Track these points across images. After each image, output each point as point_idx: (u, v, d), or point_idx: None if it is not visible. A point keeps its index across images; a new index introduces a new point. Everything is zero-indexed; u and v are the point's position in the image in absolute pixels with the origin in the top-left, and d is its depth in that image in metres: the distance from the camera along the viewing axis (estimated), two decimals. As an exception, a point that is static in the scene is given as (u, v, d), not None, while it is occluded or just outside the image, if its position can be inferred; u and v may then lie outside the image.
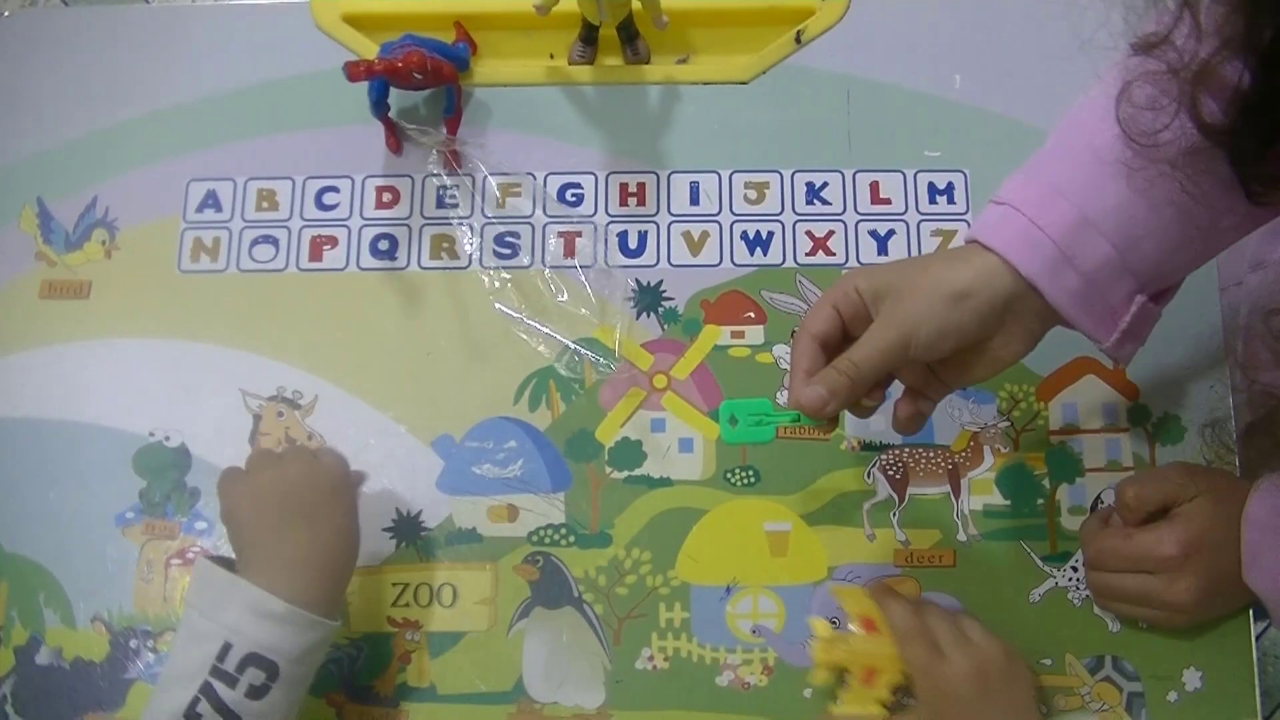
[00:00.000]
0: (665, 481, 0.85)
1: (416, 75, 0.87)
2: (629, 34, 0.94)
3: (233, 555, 0.76)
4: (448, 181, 0.92)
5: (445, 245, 0.91)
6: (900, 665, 0.76)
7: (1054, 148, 0.69)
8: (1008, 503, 0.84)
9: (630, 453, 0.85)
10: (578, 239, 0.90)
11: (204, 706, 0.68)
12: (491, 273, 0.89)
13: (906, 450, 0.85)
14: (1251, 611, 0.80)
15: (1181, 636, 0.80)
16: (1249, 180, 0.61)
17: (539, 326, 0.88)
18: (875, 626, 0.78)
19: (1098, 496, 0.84)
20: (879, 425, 0.85)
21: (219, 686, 0.69)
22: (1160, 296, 0.70)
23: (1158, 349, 0.86)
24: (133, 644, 0.84)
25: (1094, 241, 0.65)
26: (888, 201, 0.90)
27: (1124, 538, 0.78)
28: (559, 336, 0.87)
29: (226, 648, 0.69)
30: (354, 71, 0.84)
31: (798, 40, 0.95)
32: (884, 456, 0.85)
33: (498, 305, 0.88)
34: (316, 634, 0.72)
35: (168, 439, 0.88)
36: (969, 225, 0.88)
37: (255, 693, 0.69)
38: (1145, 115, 0.63)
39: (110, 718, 0.82)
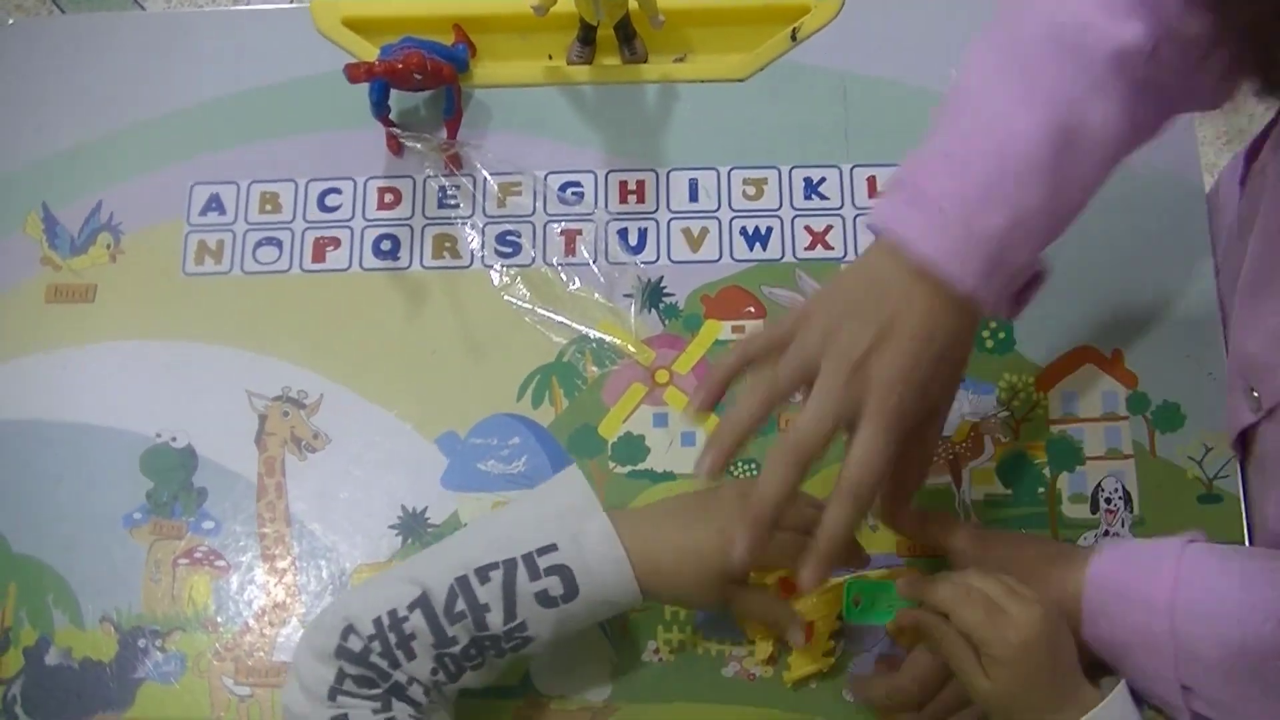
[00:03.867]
0: (668, 476, 0.85)
1: (416, 76, 0.87)
2: (626, 34, 0.95)
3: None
4: (447, 183, 0.93)
5: (447, 245, 0.92)
6: (833, 611, 0.77)
7: (973, 135, 0.67)
8: (1009, 492, 0.84)
9: (633, 448, 0.86)
10: (578, 237, 0.91)
11: (496, 575, 0.69)
12: (499, 267, 0.90)
13: (908, 441, 0.85)
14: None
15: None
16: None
17: (552, 315, 0.88)
18: (793, 586, 0.77)
19: (1098, 484, 0.84)
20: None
21: (522, 570, 0.69)
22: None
23: (1156, 337, 0.87)
24: (141, 643, 0.84)
25: (1020, 241, 0.65)
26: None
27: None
28: (572, 324, 0.89)
29: (552, 547, 0.70)
30: (354, 73, 0.85)
31: (793, 38, 0.96)
32: (885, 448, 0.85)
33: (507, 297, 0.89)
34: (624, 598, 0.71)
35: (174, 440, 0.88)
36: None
37: (545, 600, 0.69)
38: None
39: (119, 717, 0.82)
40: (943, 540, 0.78)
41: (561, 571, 0.69)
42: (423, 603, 0.68)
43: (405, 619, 0.68)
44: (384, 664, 0.68)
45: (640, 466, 0.86)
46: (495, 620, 0.68)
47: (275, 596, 0.84)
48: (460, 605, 0.68)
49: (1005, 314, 0.73)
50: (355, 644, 0.68)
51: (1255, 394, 0.76)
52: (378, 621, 0.68)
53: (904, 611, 0.74)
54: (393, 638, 0.68)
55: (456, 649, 0.68)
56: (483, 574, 0.69)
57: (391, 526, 0.85)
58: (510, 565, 0.69)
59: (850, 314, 0.65)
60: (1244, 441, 0.82)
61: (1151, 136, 0.69)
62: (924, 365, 0.65)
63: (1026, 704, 0.69)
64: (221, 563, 0.85)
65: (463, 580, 0.69)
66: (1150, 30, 0.63)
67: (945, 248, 0.64)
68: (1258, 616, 0.67)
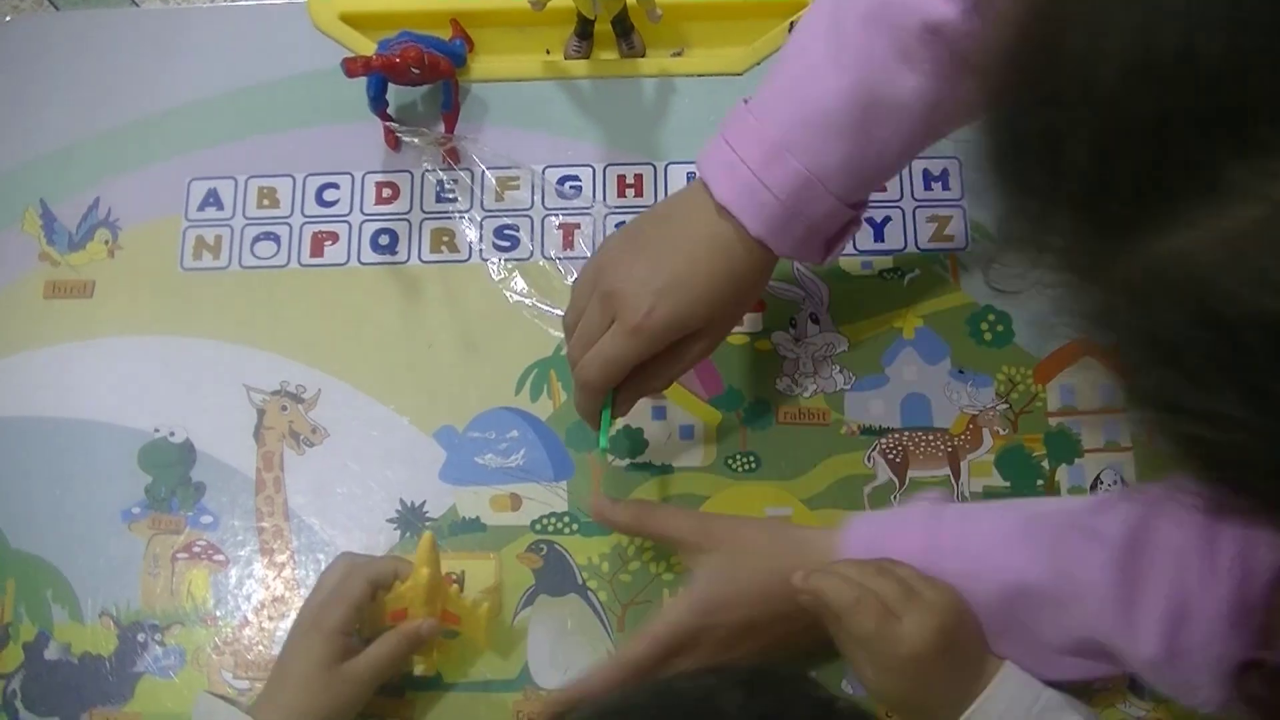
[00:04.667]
0: (667, 469, 0.85)
1: (414, 70, 0.87)
2: (624, 28, 0.95)
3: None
4: (445, 177, 0.93)
5: (445, 239, 0.92)
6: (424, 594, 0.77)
7: (785, 89, 0.73)
8: (1007, 484, 0.84)
9: (633, 440, 0.86)
10: (576, 230, 0.91)
11: None
12: (497, 261, 0.90)
13: (906, 434, 0.85)
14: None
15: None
16: None
17: (550, 309, 0.88)
18: (401, 616, 0.78)
19: (1096, 476, 0.84)
20: (878, 410, 0.86)
21: None
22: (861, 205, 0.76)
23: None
24: (140, 638, 0.84)
25: (818, 194, 0.71)
26: (883, 189, 0.91)
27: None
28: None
29: None
30: (352, 67, 0.85)
31: (791, 31, 0.95)
32: (884, 440, 0.85)
33: (505, 291, 0.89)
34: None
35: (172, 435, 0.88)
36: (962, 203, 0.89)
37: None
38: None
39: (118, 711, 0.82)
40: (663, 529, 0.79)
41: None
42: None
43: None
44: None
45: (639, 459, 0.86)
46: None
47: (274, 590, 0.84)
48: None
49: (815, 259, 0.77)
50: None
51: None
52: None
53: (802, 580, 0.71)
54: None
55: None
56: None
57: (390, 520, 0.85)
58: None
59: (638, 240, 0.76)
60: None
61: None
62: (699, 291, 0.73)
63: (919, 704, 0.70)
64: (220, 557, 0.85)
65: None
66: (963, 6, 0.64)
67: (739, 193, 0.71)
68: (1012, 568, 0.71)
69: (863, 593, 0.69)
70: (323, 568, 0.83)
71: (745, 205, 0.71)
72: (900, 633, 0.68)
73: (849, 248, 0.89)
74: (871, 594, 0.69)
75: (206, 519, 0.86)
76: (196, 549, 0.86)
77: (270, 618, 0.84)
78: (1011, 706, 0.69)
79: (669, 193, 0.92)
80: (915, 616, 0.68)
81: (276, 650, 0.82)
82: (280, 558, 0.85)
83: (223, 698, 0.78)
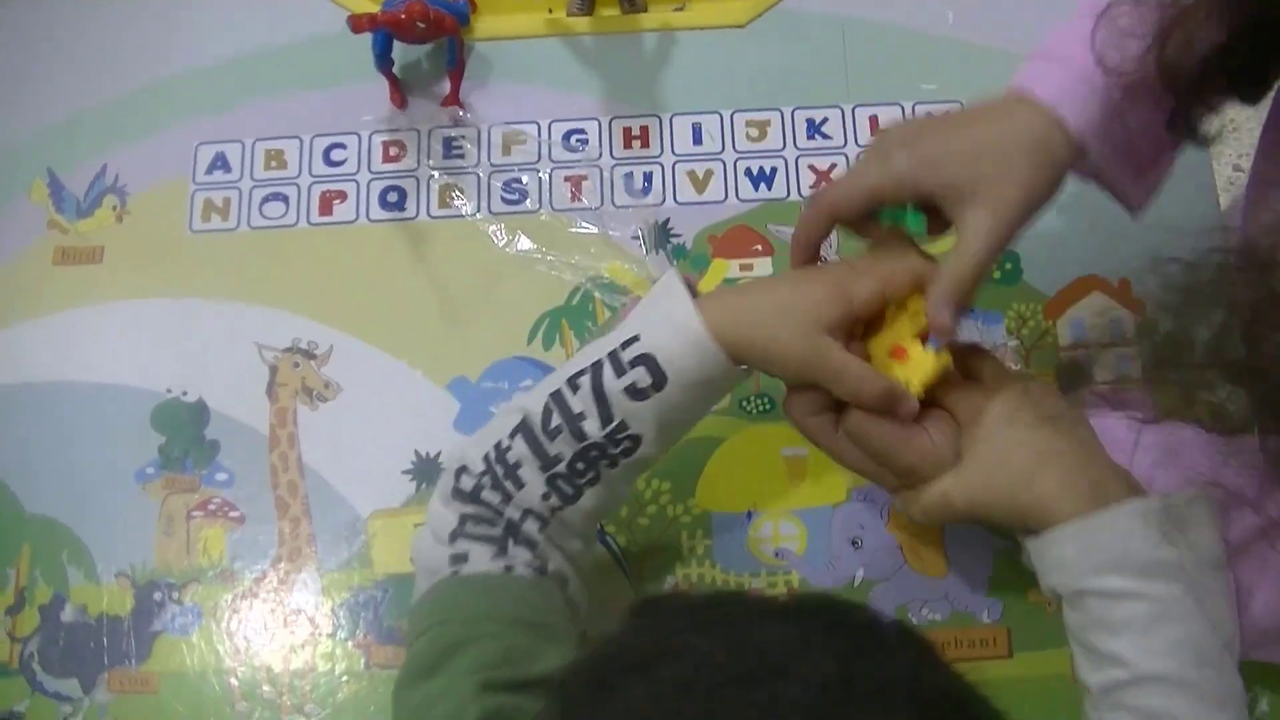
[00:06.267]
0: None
1: (419, 25, 0.88)
2: (625, -16, 0.95)
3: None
4: (452, 133, 0.93)
5: (453, 194, 0.92)
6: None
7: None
8: (1022, 418, 0.84)
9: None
10: (584, 182, 0.92)
11: (584, 380, 0.65)
12: (499, 228, 0.91)
13: (919, 371, 0.85)
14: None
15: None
16: (1176, 120, 0.65)
17: (560, 258, 0.89)
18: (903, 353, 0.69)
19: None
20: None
21: (607, 369, 0.65)
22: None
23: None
24: (156, 596, 0.84)
25: (1141, 97, 0.66)
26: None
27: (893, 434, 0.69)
28: (581, 266, 0.89)
29: (634, 338, 0.65)
30: (358, 23, 0.85)
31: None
32: (897, 378, 0.85)
33: (513, 250, 0.90)
34: (713, 370, 0.65)
35: (185, 394, 0.88)
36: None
37: (635, 394, 0.65)
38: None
39: (136, 671, 0.82)
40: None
41: (645, 360, 0.65)
42: (523, 428, 0.66)
43: (509, 448, 0.66)
44: (496, 499, 0.65)
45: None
46: (592, 427, 0.65)
47: (291, 545, 0.84)
48: (556, 420, 0.65)
49: (1133, 199, 0.72)
50: (467, 483, 0.66)
51: None
52: (486, 457, 0.66)
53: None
54: (499, 469, 0.65)
55: (562, 465, 0.65)
56: (573, 383, 0.66)
57: (405, 472, 0.85)
58: (596, 366, 0.65)
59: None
60: None
61: None
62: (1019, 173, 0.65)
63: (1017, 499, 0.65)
64: (235, 514, 0.85)
65: (556, 394, 0.66)
66: None
67: (1061, 90, 0.66)
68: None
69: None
70: (338, 522, 0.84)
71: (1064, 101, 0.66)
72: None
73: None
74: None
75: (221, 476, 0.86)
76: (212, 507, 0.86)
77: (287, 572, 0.83)
78: (1129, 542, 0.62)
79: (675, 143, 0.92)
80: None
81: (295, 604, 0.82)
82: (295, 512, 0.85)
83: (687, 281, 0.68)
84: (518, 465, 0.65)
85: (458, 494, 0.66)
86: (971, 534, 0.81)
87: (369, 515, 0.84)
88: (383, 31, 0.89)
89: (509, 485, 0.65)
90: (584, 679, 0.49)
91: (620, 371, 0.65)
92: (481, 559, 0.65)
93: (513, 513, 0.65)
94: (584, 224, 0.90)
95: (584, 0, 0.96)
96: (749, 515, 0.83)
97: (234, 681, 0.81)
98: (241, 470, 0.86)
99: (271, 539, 0.84)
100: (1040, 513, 0.63)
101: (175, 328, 0.90)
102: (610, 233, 0.90)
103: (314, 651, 0.82)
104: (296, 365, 0.88)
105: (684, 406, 0.67)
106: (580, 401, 0.65)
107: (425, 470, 0.85)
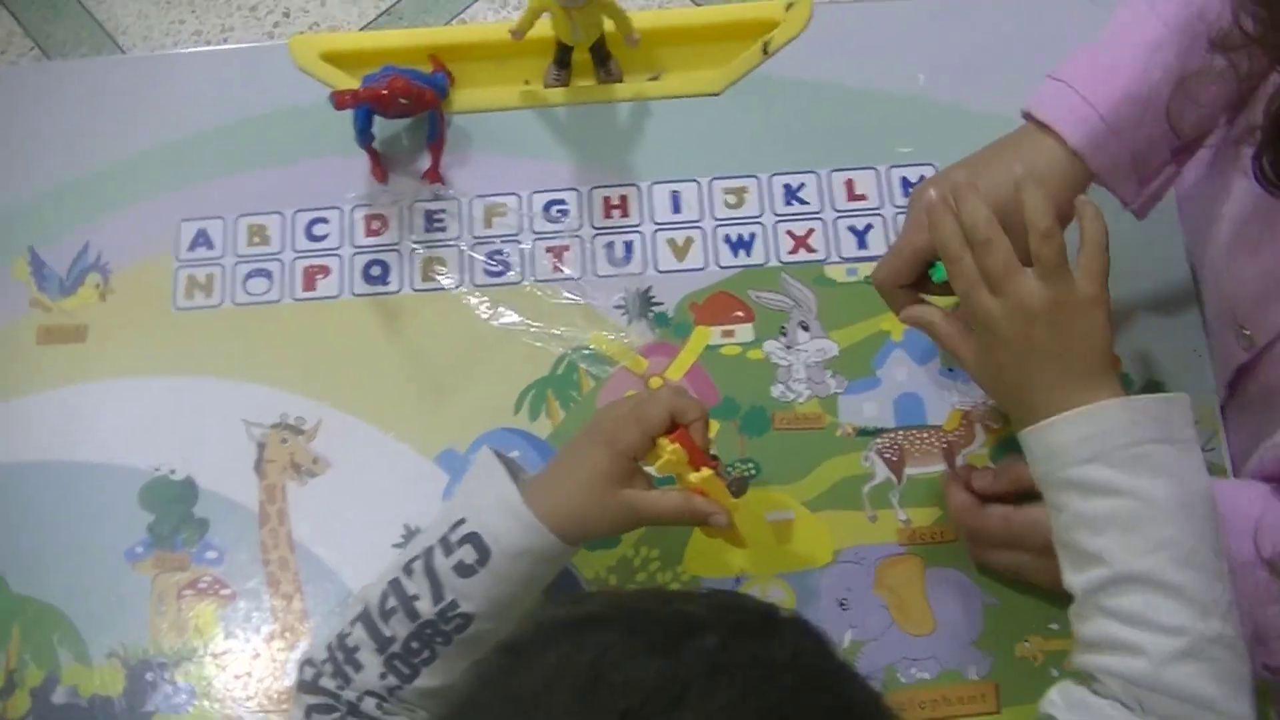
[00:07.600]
0: (668, 480, 0.86)
1: (401, 100, 0.89)
2: (601, 55, 0.97)
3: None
4: (433, 207, 0.94)
5: (436, 267, 0.93)
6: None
7: (1105, 38, 0.79)
8: (1002, 477, 0.86)
9: (632, 454, 0.87)
10: (565, 252, 0.93)
11: (418, 564, 0.70)
12: (478, 298, 0.92)
13: (901, 433, 0.87)
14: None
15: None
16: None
17: (544, 329, 0.90)
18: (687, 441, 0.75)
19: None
20: (871, 411, 0.87)
21: (438, 552, 0.70)
22: (1182, 156, 0.80)
23: (1135, 321, 0.89)
24: (149, 677, 0.84)
25: (1137, 115, 0.75)
26: (863, 197, 0.93)
27: (1002, 521, 0.78)
28: (565, 336, 0.90)
29: (460, 522, 0.71)
30: (341, 100, 0.86)
31: (764, 51, 0.98)
32: (879, 440, 0.87)
33: (497, 322, 0.91)
34: (537, 541, 0.70)
35: (173, 472, 0.89)
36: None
37: (463, 570, 0.70)
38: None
39: (131, 752, 0.82)
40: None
41: (471, 538, 0.70)
42: (363, 615, 0.71)
43: (348, 634, 0.71)
44: (334, 685, 0.70)
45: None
46: (425, 606, 0.70)
47: (283, 621, 0.84)
48: (392, 602, 0.70)
49: (1134, 205, 0.81)
50: (309, 673, 0.71)
51: (1246, 332, 0.79)
52: (329, 646, 0.71)
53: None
54: (340, 655, 0.70)
55: (398, 646, 0.70)
56: (408, 568, 0.71)
57: (395, 545, 0.86)
58: (428, 551, 0.71)
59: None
60: (1234, 383, 0.85)
61: None
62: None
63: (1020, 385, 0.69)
64: (227, 591, 0.86)
65: (394, 581, 0.71)
66: None
67: (1062, 111, 0.76)
68: None
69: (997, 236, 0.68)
70: (330, 596, 0.84)
71: (1065, 121, 0.76)
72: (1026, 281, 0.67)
73: (831, 252, 0.92)
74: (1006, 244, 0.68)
75: (211, 554, 0.87)
76: (203, 584, 0.86)
77: (280, 649, 0.84)
78: (1111, 431, 0.65)
79: (655, 211, 0.94)
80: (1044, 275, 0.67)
81: (289, 681, 0.82)
82: (287, 588, 0.85)
83: (504, 459, 0.74)
84: (355, 649, 0.70)
85: (302, 685, 0.71)
86: (957, 590, 0.82)
87: (361, 589, 0.84)
88: (364, 107, 0.90)
89: (348, 670, 0.70)
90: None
91: (449, 551, 0.70)
92: None
93: (351, 695, 0.70)
94: (567, 294, 0.91)
95: (560, 72, 0.98)
96: (737, 580, 0.84)
97: (229, 761, 0.81)
98: (231, 547, 0.87)
99: (264, 615, 0.85)
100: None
101: (161, 405, 0.91)
102: (593, 302, 0.91)
103: (309, 729, 0.82)
104: (284, 441, 0.89)
105: (513, 578, 0.71)
106: (414, 584, 0.70)
107: (415, 543, 0.85)
